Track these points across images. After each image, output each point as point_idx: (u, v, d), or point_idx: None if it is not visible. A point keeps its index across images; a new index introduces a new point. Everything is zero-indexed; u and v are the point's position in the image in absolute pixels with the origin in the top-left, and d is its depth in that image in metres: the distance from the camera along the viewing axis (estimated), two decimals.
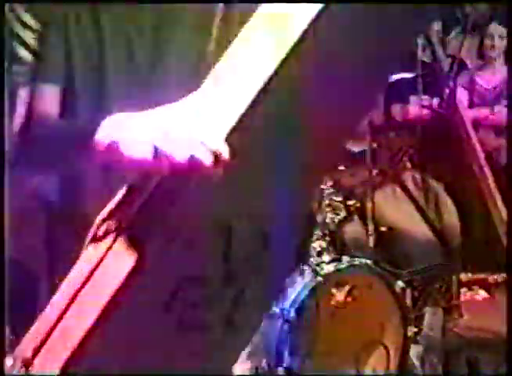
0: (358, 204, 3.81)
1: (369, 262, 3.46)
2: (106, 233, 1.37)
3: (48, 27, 1.55)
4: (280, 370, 3.00)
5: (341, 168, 3.53)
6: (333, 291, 3.14)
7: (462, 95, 4.98)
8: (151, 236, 1.36)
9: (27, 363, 1.34)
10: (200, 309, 1.45)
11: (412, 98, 5.16)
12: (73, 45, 1.57)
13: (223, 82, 1.34)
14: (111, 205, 1.39)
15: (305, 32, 1.28)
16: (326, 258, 3.25)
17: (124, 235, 1.36)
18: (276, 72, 1.29)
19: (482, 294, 4.81)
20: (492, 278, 4.84)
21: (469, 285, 4.78)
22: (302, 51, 1.29)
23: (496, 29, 4.96)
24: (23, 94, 1.54)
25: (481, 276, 4.86)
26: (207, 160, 1.29)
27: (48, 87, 1.57)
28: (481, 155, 4.62)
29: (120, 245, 1.35)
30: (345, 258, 3.30)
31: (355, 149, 4.05)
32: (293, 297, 3.10)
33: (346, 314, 3.15)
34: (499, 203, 4.44)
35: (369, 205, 3.78)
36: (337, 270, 3.21)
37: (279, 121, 1.38)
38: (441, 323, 3.68)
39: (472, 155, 4.63)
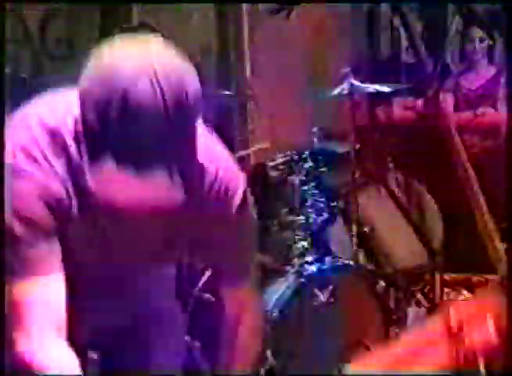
0: (341, 205, 3.82)
1: (351, 262, 3.47)
2: None
3: None
4: (262, 371, 3.00)
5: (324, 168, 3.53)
6: (316, 291, 3.15)
7: (447, 98, 5.01)
8: None
9: None
10: None
11: (396, 99, 5.19)
12: None
13: None
14: None
15: None
16: (309, 258, 3.25)
17: None
18: None
19: (466, 294, 4.82)
20: (475, 278, 4.86)
21: (452, 285, 4.80)
22: None
23: (476, 32, 4.99)
24: None
25: (465, 276, 4.88)
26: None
27: None
28: (465, 156, 4.65)
29: None
30: (328, 259, 3.31)
31: (339, 149, 4.06)
32: (276, 297, 3.10)
33: (329, 315, 3.15)
34: (482, 203, 4.47)
35: (352, 206, 3.79)
36: (320, 271, 3.21)
37: None
38: (425, 323, 3.68)
39: (455, 156, 4.66)
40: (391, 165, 4.56)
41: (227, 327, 1.87)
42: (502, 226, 4.27)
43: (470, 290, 4.82)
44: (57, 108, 1.64)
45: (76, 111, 1.53)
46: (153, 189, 1.46)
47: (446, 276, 4.61)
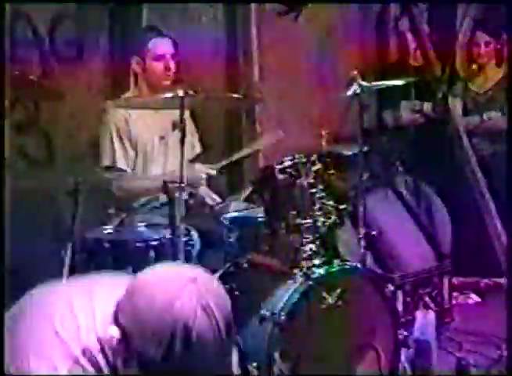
0: (349, 208, 3.81)
1: (359, 265, 3.46)
2: None
3: None
4: (271, 374, 2.99)
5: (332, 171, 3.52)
6: (324, 294, 3.14)
7: (455, 102, 4.99)
8: None
9: None
10: None
11: (405, 102, 5.18)
12: None
13: None
14: None
15: None
16: (317, 261, 3.24)
17: None
18: None
19: (474, 297, 4.82)
20: (483, 282, 4.85)
21: (461, 289, 4.79)
22: None
23: (481, 37, 4.98)
24: None
25: (473, 279, 4.87)
26: None
27: None
28: (474, 159, 4.64)
29: None
30: (336, 262, 3.30)
31: (347, 152, 4.05)
32: (284, 300, 3.10)
33: (337, 318, 3.14)
34: (491, 207, 4.46)
35: (360, 209, 3.78)
36: (328, 274, 3.21)
37: None
38: (433, 326, 3.67)
39: (464, 159, 4.65)
40: (399, 168, 4.55)
41: None
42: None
43: (479, 293, 4.82)
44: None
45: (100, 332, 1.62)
46: None
47: (454, 280, 4.60)
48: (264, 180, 3.35)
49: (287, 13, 5.21)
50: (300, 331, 3.09)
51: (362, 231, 3.74)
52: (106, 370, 1.61)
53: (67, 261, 3.19)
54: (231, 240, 3.40)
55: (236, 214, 3.53)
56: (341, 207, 3.47)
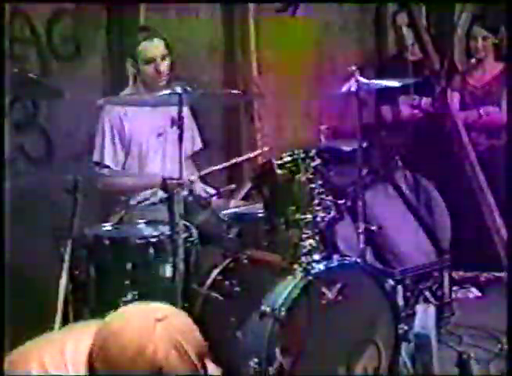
0: (349, 203, 3.81)
1: (359, 260, 3.46)
2: None
3: None
4: (271, 370, 3.00)
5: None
6: (324, 289, 3.14)
7: (453, 96, 4.99)
8: None
9: None
10: None
11: (403, 97, 5.17)
12: None
13: None
14: None
15: None
16: (316, 256, 3.24)
17: None
18: None
19: (474, 291, 4.82)
20: (483, 276, 4.85)
21: (461, 283, 4.79)
22: None
23: (479, 31, 4.98)
24: None
25: (473, 273, 4.87)
26: None
27: None
28: (473, 154, 4.64)
29: None
30: (336, 257, 3.30)
31: (346, 148, 4.05)
32: (284, 296, 3.10)
33: (337, 313, 3.14)
34: (490, 201, 4.46)
35: (360, 204, 3.78)
36: (328, 269, 3.21)
37: None
38: (433, 321, 3.67)
39: (463, 154, 4.65)
40: (398, 163, 4.54)
41: None
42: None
43: (479, 288, 4.82)
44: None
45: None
46: None
47: (454, 274, 4.61)
48: (263, 176, 3.35)
49: (285, 10, 5.21)
50: (300, 327, 3.08)
51: (362, 226, 3.74)
52: None
53: (67, 258, 3.19)
54: (230, 236, 3.41)
55: (235, 210, 3.53)
56: (340, 202, 3.46)
